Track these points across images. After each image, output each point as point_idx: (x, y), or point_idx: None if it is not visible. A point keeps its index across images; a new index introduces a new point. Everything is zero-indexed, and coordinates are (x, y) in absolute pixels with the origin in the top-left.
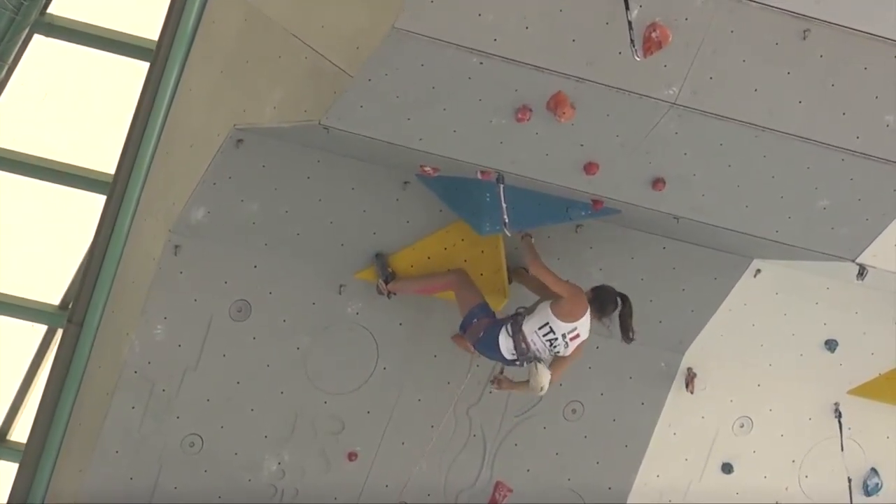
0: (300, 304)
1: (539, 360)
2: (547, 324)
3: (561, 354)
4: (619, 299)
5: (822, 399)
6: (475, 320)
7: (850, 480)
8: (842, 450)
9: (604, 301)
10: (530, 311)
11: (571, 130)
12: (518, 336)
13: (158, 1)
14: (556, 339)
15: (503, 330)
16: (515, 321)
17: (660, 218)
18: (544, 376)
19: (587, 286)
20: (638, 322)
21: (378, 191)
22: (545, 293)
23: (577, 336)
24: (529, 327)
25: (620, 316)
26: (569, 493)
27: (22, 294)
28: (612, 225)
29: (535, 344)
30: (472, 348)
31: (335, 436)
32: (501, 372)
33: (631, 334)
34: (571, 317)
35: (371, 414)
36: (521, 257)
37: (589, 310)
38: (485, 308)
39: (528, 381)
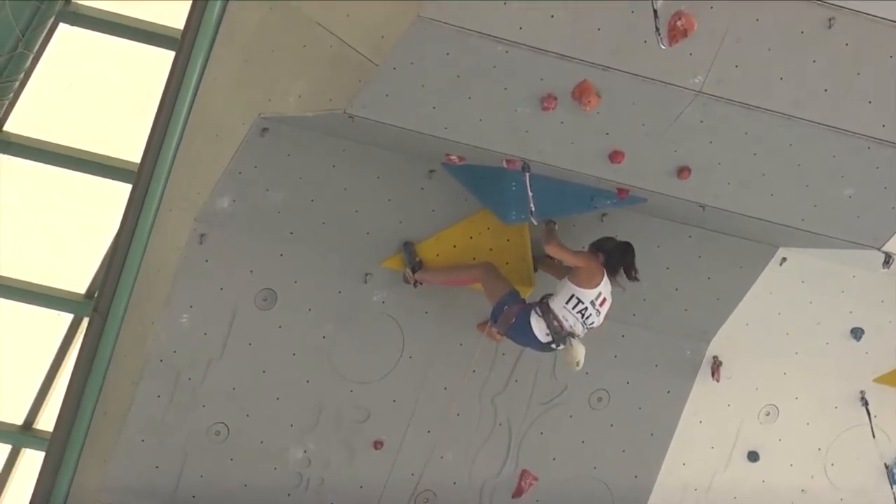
0: (325, 292)
1: (574, 336)
2: (573, 296)
3: (596, 326)
4: (623, 252)
5: (847, 387)
6: (506, 307)
7: (887, 466)
8: (873, 437)
9: (613, 261)
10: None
11: (597, 119)
12: (549, 315)
13: None
14: (587, 308)
15: (533, 312)
16: (543, 303)
17: (685, 206)
18: (579, 350)
19: None
20: (664, 310)
21: (403, 179)
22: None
23: (605, 301)
24: (557, 304)
25: (625, 264)
26: (594, 482)
27: (48, 283)
28: (638, 213)
29: (567, 320)
30: (503, 336)
31: (360, 424)
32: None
33: (634, 273)
34: (592, 283)
35: (396, 402)
36: (541, 242)
37: (605, 272)
38: (515, 296)
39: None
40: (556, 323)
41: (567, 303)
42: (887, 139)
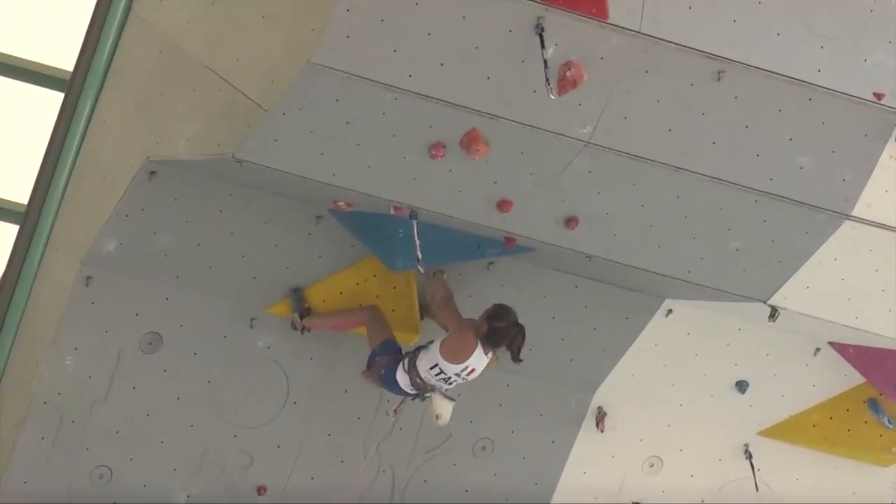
0: (211, 337)
1: (435, 390)
2: (437, 365)
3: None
4: (513, 331)
5: (732, 440)
6: (377, 358)
7: None
8: (756, 490)
9: (498, 338)
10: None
11: (485, 167)
12: (413, 372)
13: (74, 31)
14: (450, 377)
15: (400, 367)
16: (412, 357)
17: (572, 257)
18: (439, 405)
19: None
20: (550, 360)
21: (291, 225)
22: None
23: (472, 371)
24: (422, 365)
25: (510, 343)
26: None
27: None
28: (525, 263)
29: (429, 381)
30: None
31: (244, 469)
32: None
33: (519, 358)
34: (459, 359)
35: (281, 448)
36: (430, 292)
37: (479, 345)
38: (389, 345)
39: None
40: (418, 380)
41: (431, 369)
42: (775, 192)
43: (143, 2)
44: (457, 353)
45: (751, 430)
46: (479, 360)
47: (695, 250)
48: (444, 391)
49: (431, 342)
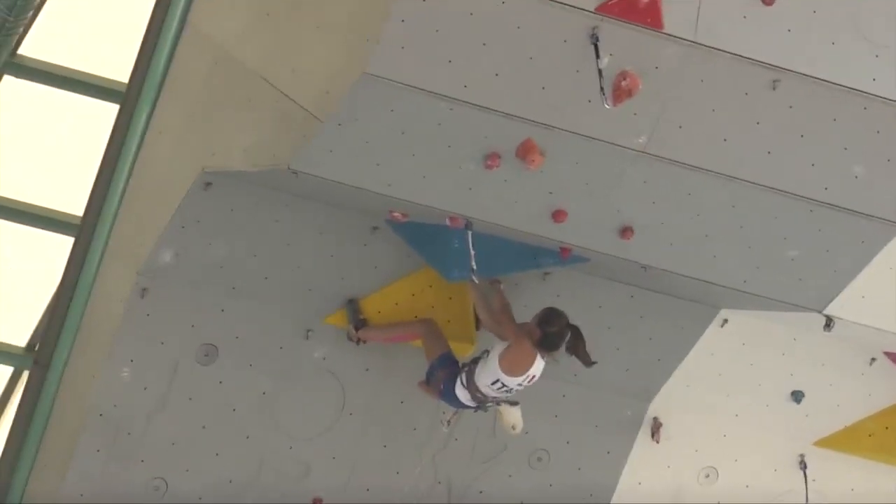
0: (267, 348)
1: (499, 403)
2: (498, 380)
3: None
4: (567, 333)
5: (787, 450)
6: (437, 372)
7: None
8: (806, 502)
9: (553, 343)
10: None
11: (540, 178)
12: (472, 387)
13: (129, 43)
14: (511, 389)
15: (458, 382)
16: (470, 370)
17: (628, 266)
18: (510, 415)
19: None
20: (605, 370)
21: (346, 236)
22: None
23: (533, 378)
24: (482, 381)
25: (572, 349)
26: None
27: None
28: (580, 273)
29: (489, 395)
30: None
31: (300, 481)
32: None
33: (590, 360)
34: (520, 371)
35: (336, 459)
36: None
37: (538, 354)
38: (447, 359)
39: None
40: (479, 394)
41: (492, 384)
42: (830, 202)
43: (199, 13)
44: (518, 366)
45: (807, 440)
46: (539, 366)
47: (750, 260)
48: (505, 399)
49: (486, 352)
